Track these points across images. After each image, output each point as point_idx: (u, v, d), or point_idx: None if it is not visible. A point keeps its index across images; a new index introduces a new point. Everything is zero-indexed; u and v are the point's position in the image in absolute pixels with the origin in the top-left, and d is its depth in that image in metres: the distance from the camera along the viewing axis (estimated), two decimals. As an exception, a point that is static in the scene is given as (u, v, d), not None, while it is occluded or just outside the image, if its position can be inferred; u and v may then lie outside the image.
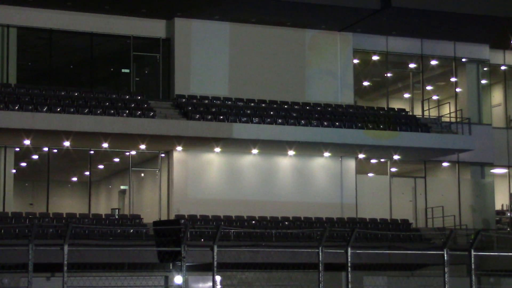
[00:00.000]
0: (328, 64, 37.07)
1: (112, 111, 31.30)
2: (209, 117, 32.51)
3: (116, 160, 34.90)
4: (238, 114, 33.18)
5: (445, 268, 16.84)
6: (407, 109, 38.54)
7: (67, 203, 37.20)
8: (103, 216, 31.82)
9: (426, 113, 38.75)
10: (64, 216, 30.72)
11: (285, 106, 35.08)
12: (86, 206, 33.56)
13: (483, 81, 40.53)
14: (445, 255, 16.84)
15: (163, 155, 33.90)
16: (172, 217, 32.15)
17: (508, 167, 40.17)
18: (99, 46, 35.50)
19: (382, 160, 37.17)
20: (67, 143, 31.59)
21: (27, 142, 30.95)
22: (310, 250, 17.01)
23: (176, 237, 15.75)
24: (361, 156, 35.86)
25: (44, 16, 33.75)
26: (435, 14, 35.34)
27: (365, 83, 40.18)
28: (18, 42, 33.90)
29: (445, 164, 38.55)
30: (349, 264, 16.12)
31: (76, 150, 32.92)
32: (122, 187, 36.13)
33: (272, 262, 28.09)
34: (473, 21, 36.34)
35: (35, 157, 33.92)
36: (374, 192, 36.93)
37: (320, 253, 16.03)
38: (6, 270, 24.42)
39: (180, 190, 33.35)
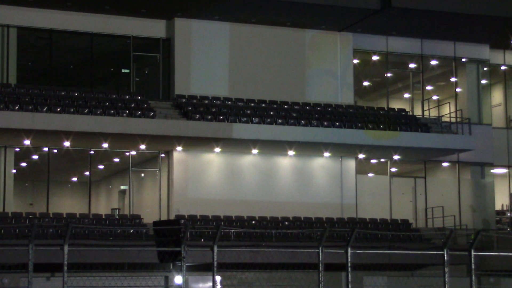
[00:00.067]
0: (328, 64, 37.07)
1: (112, 111, 31.30)
2: (209, 117, 32.51)
3: (116, 160, 34.90)
4: (238, 114, 33.18)
5: (445, 268, 16.84)
6: (407, 109, 38.54)
7: (67, 203, 37.22)
8: (103, 216, 31.81)
9: (426, 113, 38.76)
10: (64, 216, 30.72)
11: (285, 106, 35.08)
12: (86, 206, 33.57)
13: (483, 81, 40.53)
14: (445, 255, 16.84)
15: (163, 155, 33.91)
16: (172, 217, 32.15)
17: (508, 167, 40.17)
18: (99, 46, 35.50)
19: (382, 160, 37.18)
20: (67, 143, 31.59)
21: (27, 142, 30.95)
22: (310, 250, 17.01)
23: (176, 237, 15.75)
24: (361, 156, 35.87)
25: (44, 16, 33.75)
26: (435, 14, 35.34)
27: (365, 83, 40.18)
28: (18, 42, 33.90)
29: (445, 164, 38.55)
30: (349, 264, 16.11)
31: (76, 150, 32.92)
32: (122, 187, 36.14)
33: (272, 262, 28.08)
34: (473, 21, 36.34)
35: (35, 157, 33.92)
36: (374, 192, 36.94)
37: (320, 253, 16.02)
38: (6, 270, 24.41)
39: (180, 190, 33.35)
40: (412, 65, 39.33)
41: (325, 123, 33.94)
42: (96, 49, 35.24)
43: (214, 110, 33.22)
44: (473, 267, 17.08)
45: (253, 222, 32.41)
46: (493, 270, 28.76)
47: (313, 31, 36.82)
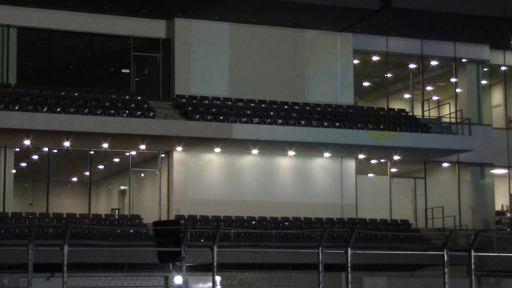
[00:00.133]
0: (328, 65, 37.07)
1: (112, 111, 31.30)
2: (209, 117, 32.51)
3: (116, 160, 34.90)
4: (238, 114, 33.18)
5: (445, 269, 16.84)
6: (407, 110, 38.54)
7: (67, 203, 37.20)
8: (103, 216, 31.80)
9: (426, 113, 38.75)
10: (64, 216, 30.71)
11: (285, 107, 35.07)
12: (86, 206, 33.56)
13: (483, 82, 40.52)
14: (445, 256, 16.84)
15: (163, 155, 33.90)
16: (172, 217, 32.15)
17: (508, 167, 40.16)
18: (99, 46, 35.49)
19: (382, 160, 37.17)
20: (67, 143, 31.58)
21: (27, 142, 30.94)
22: (310, 250, 17.01)
23: (176, 237, 15.75)
24: (361, 156, 35.85)
25: (44, 16, 33.74)
26: (435, 15, 35.34)
27: (365, 84, 40.18)
28: (18, 42, 33.89)
29: (445, 164, 38.55)
30: (349, 265, 16.11)
31: (76, 150, 32.92)
32: (122, 187, 36.13)
33: (272, 262, 28.09)
34: (473, 22, 36.34)
35: (35, 157, 33.92)
36: (374, 192, 36.93)
37: (320, 254, 16.02)
38: (6, 270, 24.40)
39: (180, 190, 33.35)
40: (412, 66, 39.33)
41: (325, 124, 33.93)
42: (96, 49, 35.23)
43: (214, 110, 33.21)
44: (473, 267, 17.08)
45: (253, 222, 32.40)
46: (493, 270, 28.80)
47: (313, 31, 36.82)
